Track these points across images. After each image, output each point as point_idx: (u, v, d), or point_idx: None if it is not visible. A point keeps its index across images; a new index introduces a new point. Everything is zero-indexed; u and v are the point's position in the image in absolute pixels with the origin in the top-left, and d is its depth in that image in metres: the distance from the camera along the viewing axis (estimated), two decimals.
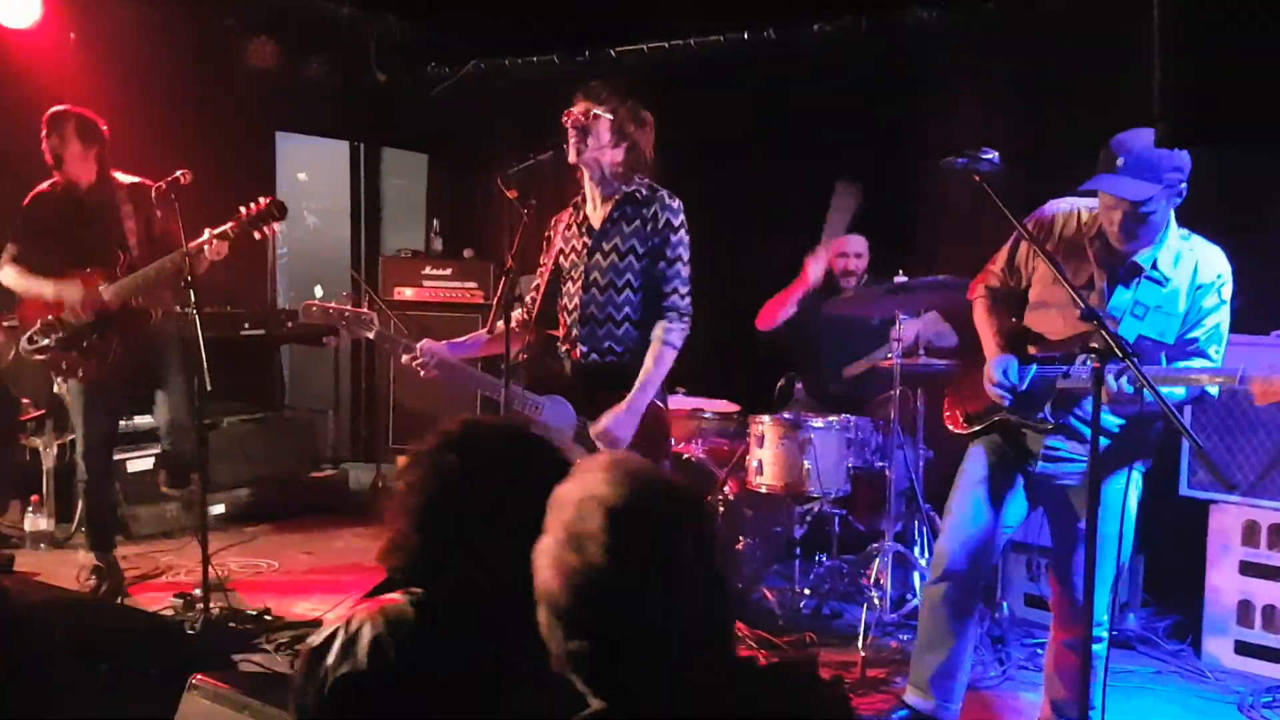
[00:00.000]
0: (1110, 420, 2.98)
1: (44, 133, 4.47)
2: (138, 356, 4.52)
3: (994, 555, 3.31)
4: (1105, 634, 3.10)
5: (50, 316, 4.45)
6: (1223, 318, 2.97)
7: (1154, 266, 2.97)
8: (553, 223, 3.73)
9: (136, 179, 4.50)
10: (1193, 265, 2.97)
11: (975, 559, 3.20)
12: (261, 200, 4.25)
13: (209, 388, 4.03)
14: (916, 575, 4.55)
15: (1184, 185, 2.89)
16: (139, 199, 4.47)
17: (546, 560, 1.35)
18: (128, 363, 4.52)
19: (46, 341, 4.46)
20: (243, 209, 4.26)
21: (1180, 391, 2.86)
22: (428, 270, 6.75)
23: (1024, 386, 3.06)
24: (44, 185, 4.55)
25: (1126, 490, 2.88)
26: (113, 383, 4.56)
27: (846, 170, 5.24)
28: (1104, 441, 2.93)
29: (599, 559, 1.30)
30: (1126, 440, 3.00)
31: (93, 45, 5.68)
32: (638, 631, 1.30)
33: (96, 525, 4.69)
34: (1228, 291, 2.98)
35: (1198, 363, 2.92)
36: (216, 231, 4.22)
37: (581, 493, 1.36)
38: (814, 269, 5.05)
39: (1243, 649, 4.17)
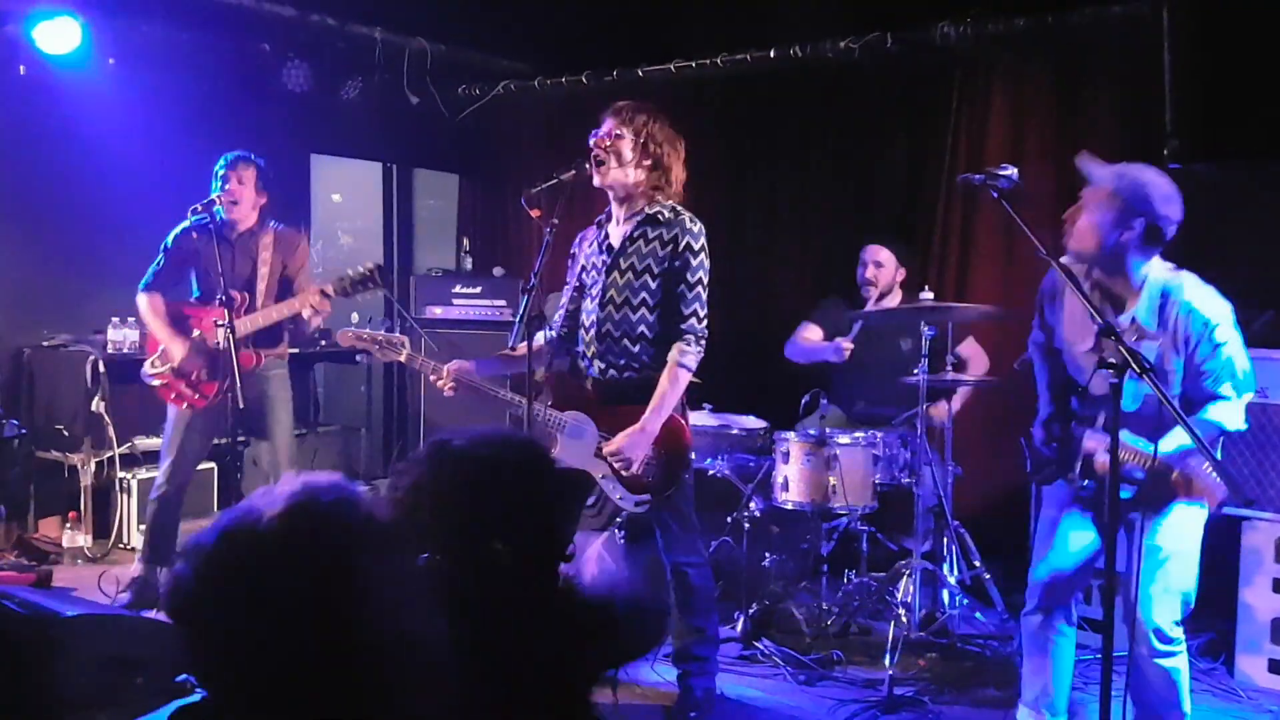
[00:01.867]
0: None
1: (221, 172, 4.61)
2: (245, 395, 4.30)
3: (1078, 583, 3.36)
4: (1179, 649, 3.11)
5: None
6: (1225, 357, 2.96)
7: (1132, 322, 2.98)
8: (577, 239, 3.76)
9: (284, 227, 4.74)
10: (1174, 317, 2.95)
11: (1059, 589, 3.28)
12: (368, 264, 4.52)
13: (241, 405, 4.10)
14: (945, 593, 4.53)
15: (1154, 227, 2.91)
16: (282, 245, 4.70)
17: None
18: (234, 399, 4.52)
19: (164, 368, 4.61)
20: (350, 271, 4.52)
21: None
22: (458, 289, 6.80)
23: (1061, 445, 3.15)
24: (193, 221, 4.66)
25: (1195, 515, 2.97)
26: (216, 414, 4.64)
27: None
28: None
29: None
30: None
31: (131, 70, 5.79)
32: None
33: (159, 540, 4.73)
34: (1223, 333, 2.95)
35: (1212, 409, 2.96)
36: (319, 287, 4.49)
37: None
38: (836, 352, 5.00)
39: (1276, 668, 4.12)
